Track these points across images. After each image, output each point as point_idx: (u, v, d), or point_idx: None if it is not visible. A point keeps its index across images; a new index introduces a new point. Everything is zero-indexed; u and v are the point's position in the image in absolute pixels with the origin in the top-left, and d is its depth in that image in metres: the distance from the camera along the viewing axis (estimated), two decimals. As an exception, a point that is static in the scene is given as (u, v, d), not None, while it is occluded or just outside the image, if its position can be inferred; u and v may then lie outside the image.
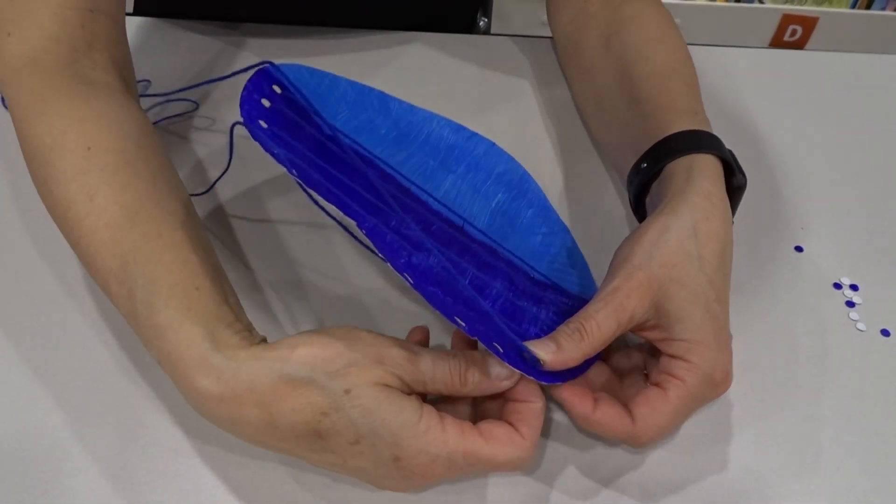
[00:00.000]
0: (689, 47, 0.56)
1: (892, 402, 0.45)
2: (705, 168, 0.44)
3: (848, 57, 0.73)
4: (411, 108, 0.54)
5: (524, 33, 0.73)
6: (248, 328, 0.39)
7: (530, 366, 0.38)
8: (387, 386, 0.36)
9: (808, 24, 1.82)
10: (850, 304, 0.51)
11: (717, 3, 1.82)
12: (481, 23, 1.12)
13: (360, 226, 0.38)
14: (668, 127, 0.47)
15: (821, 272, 0.52)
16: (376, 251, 0.48)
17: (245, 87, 0.43)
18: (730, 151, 0.47)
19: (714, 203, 0.43)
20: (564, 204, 0.56)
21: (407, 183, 0.48)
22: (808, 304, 0.50)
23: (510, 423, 0.37)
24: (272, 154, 0.39)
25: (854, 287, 0.52)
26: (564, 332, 0.39)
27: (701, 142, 0.46)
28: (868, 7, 1.86)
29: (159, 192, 0.42)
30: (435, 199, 0.49)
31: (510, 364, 0.37)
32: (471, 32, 0.80)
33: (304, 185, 0.40)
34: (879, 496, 0.41)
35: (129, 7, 0.82)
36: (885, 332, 0.49)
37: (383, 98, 0.53)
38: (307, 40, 0.69)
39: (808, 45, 1.84)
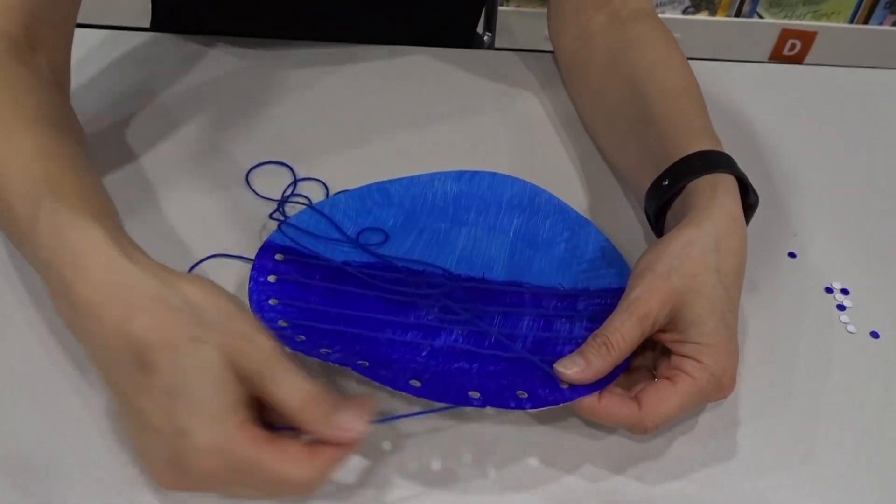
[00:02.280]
0: (689, 62, 0.58)
1: (882, 400, 0.47)
2: (728, 187, 0.47)
3: (842, 71, 0.75)
4: (410, 180, 0.58)
5: (527, 48, 0.75)
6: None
7: (563, 392, 0.41)
8: (231, 361, 0.34)
9: (807, 38, 1.84)
10: (841, 307, 0.53)
11: (717, 18, 1.85)
12: (486, 38, 1.15)
13: (360, 371, 0.41)
14: (687, 146, 0.49)
15: (813, 277, 0.55)
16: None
17: (251, 276, 0.48)
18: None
19: (735, 222, 0.45)
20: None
21: (420, 266, 0.52)
22: (801, 307, 0.53)
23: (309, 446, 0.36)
24: (281, 339, 0.43)
25: (845, 291, 0.54)
26: (592, 346, 0.42)
27: (720, 162, 0.48)
28: (866, 21, 1.89)
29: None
30: (451, 264, 0.52)
31: (538, 405, 0.40)
32: (469, 47, 0.82)
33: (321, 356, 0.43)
34: (868, 488, 0.43)
35: (146, 22, 0.85)
36: (875, 335, 0.51)
37: (382, 187, 0.57)
38: (317, 55, 0.71)
39: (806, 59, 1.86)
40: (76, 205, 0.39)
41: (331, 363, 0.41)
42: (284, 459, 0.34)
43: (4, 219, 0.42)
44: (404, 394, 0.39)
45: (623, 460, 0.43)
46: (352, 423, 0.36)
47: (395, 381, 0.40)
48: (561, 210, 0.56)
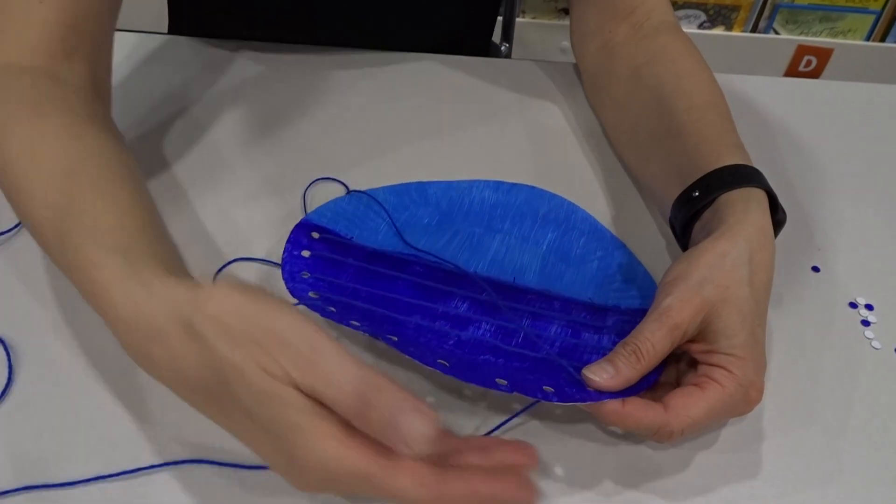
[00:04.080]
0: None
1: (907, 418, 0.47)
2: (759, 202, 0.47)
3: (862, 86, 0.75)
4: (449, 184, 0.58)
5: (543, 59, 0.75)
6: (174, 271, 0.38)
7: (590, 393, 0.40)
8: (274, 377, 0.32)
9: (823, 55, 1.84)
10: (866, 322, 0.52)
11: (733, 34, 1.85)
12: (503, 48, 1.15)
13: (390, 343, 0.40)
14: (718, 159, 0.49)
15: (837, 292, 0.54)
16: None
17: (285, 249, 0.48)
18: None
19: (766, 236, 0.45)
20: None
21: (451, 265, 0.51)
22: (825, 322, 0.52)
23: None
24: (311, 307, 0.43)
25: (869, 307, 0.53)
26: (622, 353, 0.41)
27: (752, 176, 0.48)
28: (882, 39, 1.88)
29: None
30: (483, 267, 0.52)
31: (564, 400, 0.39)
32: (485, 56, 0.82)
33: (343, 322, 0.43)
34: (894, 507, 0.43)
35: (164, 27, 0.85)
36: (900, 351, 0.50)
37: (421, 187, 0.57)
38: (333, 61, 0.71)
39: (822, 76, 1.86)
40: (95, 237, 0.39)
41: (362, 332, 0.41)
42: (395, 473, 0.31)
43: (37, 239, 0.44)
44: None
45: (644, 473, 0.43)
46: (420, 428, 0.30)
47: (424, 358, 0.39)
48: (596, 230, 0.56)
